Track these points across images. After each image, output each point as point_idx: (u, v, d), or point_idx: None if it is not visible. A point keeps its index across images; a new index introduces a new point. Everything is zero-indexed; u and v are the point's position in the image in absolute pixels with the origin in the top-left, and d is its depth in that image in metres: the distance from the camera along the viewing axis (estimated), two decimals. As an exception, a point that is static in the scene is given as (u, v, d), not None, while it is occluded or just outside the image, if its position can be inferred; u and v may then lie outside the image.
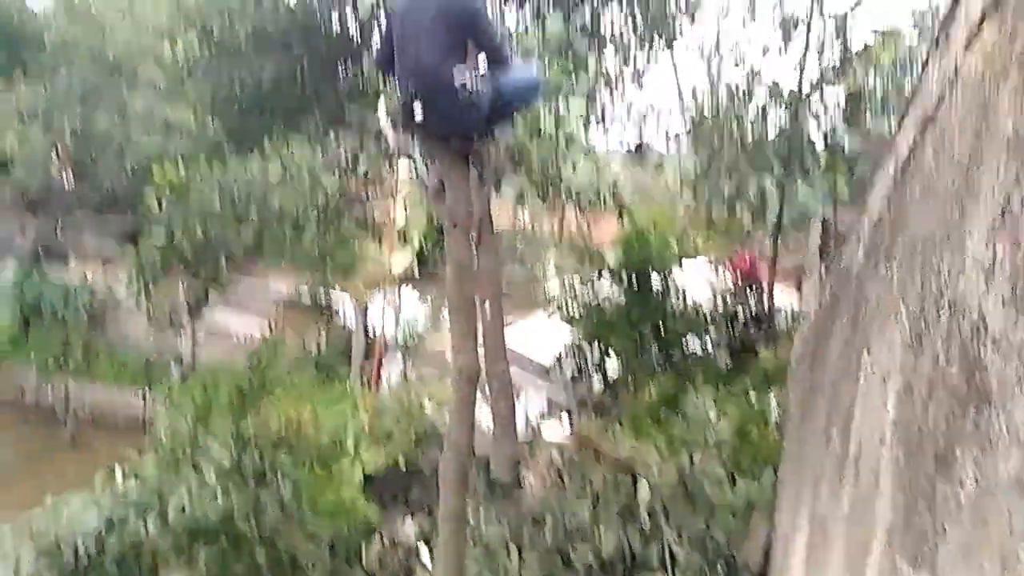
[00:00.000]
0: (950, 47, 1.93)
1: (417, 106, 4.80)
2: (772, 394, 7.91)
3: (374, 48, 8.30)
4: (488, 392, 6.92)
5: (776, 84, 10.47)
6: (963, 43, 1.78)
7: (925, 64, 2.37)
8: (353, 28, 8.62)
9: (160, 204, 7.43)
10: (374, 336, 14.20)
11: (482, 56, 4.88)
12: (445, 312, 11.31)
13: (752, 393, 9.30)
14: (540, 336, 13.04)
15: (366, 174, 9.38)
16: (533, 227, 26.29)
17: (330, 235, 10.09)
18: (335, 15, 8.60)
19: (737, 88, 10.66)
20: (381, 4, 6.71)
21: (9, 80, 17.24)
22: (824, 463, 3.16)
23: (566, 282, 11.68)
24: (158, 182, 7.48)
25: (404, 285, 19.68)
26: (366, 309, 14.53)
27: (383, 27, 5.38)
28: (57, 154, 16.64)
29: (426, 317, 19.14)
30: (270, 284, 16.63)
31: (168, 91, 16.02)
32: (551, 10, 8.49)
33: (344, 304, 15.37)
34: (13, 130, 16.00)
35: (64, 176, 17.12)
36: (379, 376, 13.99)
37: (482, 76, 4.78)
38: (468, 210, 6.06)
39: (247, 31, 8.66)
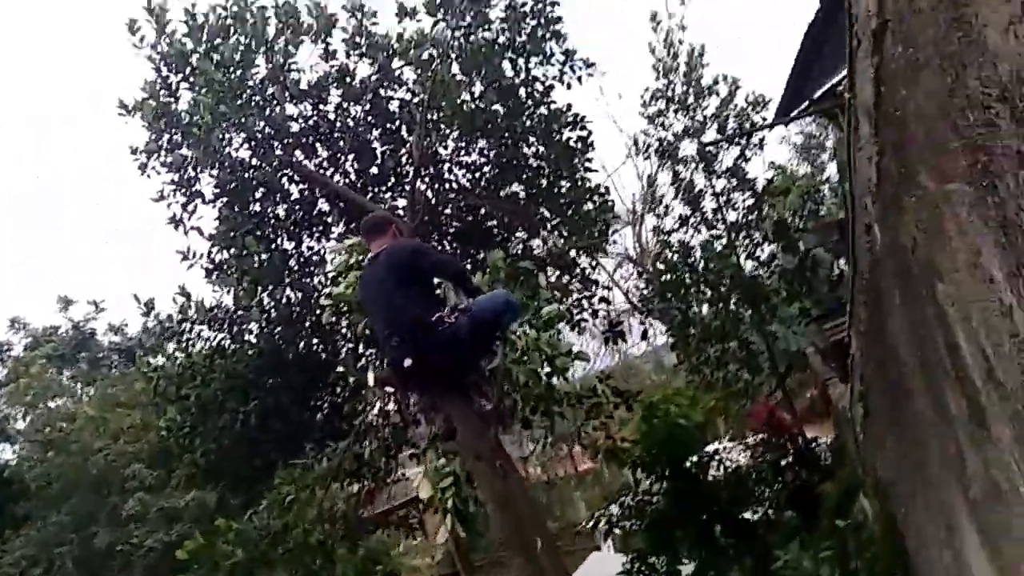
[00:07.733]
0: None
1: (403, 355, 4.87)
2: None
3: (346, 347, 8.61)
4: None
5: (709, 242, 11.13)
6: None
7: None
8: (322, 337, 8.99)
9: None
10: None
11: (451, 291, 5.09)
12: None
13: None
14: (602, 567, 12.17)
15: (375, 472, 9.27)
16: (548, 478, 25.58)
17: (358, 549, 9.66)
18: (301, 334, 8.99)
19: (674, 257, 11.25)
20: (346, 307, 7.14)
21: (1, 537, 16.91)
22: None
23: (605, 510, 11.11)
24: (185, 556, 7.35)
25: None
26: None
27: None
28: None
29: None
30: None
31: (159, 482, 15.86)
32: (487, 248, 9.15)
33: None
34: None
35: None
36: None
37: (456, 309, 4.93)
38: (485, 441, 5.99)
39: (221, 382, 8.93)
